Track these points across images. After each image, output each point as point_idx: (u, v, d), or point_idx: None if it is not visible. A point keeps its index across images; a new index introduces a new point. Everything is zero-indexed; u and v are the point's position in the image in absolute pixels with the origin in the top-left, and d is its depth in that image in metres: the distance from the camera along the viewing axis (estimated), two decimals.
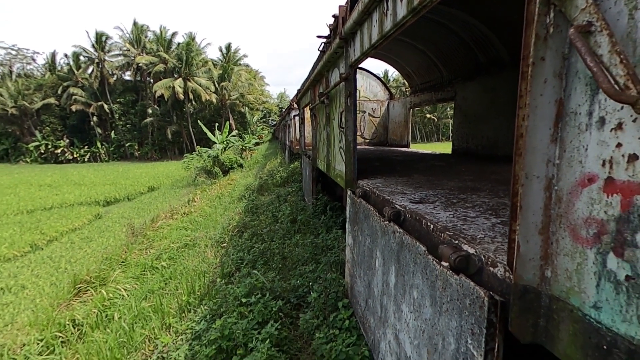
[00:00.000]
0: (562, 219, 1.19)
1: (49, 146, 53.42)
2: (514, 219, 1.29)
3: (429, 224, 2.23)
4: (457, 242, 1.88)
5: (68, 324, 6.94)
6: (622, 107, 0.98)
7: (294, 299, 4.59)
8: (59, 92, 52.75)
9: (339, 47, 4.29)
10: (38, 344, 6.40)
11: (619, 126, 0.99)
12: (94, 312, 7.34)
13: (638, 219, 0.94)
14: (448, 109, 60.02)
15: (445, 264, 1.80)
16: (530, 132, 1.21)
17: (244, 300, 4.39)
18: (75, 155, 54.40)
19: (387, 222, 2.71)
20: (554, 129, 1.20)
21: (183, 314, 5.52)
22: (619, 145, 0.99)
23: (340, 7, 3.89)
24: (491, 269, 1.58)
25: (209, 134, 30.88)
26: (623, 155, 0.98)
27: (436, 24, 6.91)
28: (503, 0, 5.39)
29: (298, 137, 13.82)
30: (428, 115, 62.82)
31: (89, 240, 14.79)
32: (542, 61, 1.17)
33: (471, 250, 1.74)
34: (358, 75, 12.09)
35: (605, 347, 1.04)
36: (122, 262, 10.59)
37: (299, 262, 5.73)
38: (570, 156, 1.15)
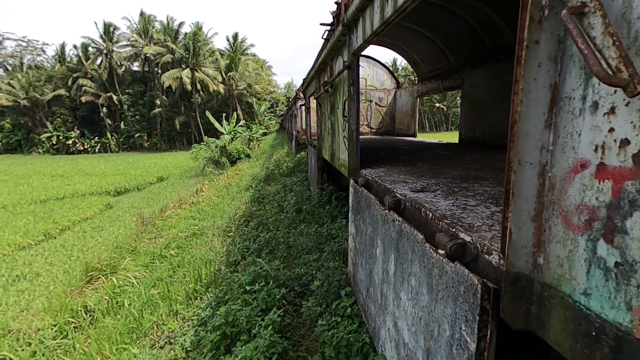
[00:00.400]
0: (555, 206, 1.18)
1: (61, 137, 54.22)
2: (507, 205, 1.28)
3: (427, 212, 2.22)
4: (454, 230, 1.87)
5: (80, 310, 7.15)
6: (615, 91, 0.95)
7: (297, 287, 4.65)
8: (69, 83, 53.28)
9: (342, 34, 4.23)
10: (52, 329, 6.62)
11: (612, 110, 0.96)
12: (105, 299, 7.54)
13: (628, 205, 0.92)
14: (457, 98, 59.06)
15: (441, 251, 1.80)
16: (524, 118, 1.19)
17: (248, 287, 4.46)
18: (86, 146, 55.18)
19: (387, 210, 2.71)
20: (548, 114, 1.17)
21: (190, 301, 5.63)
22: (611, 130, 0.97)
23: None
24: (486, 256, 1.58)
25: (217, 125, 30.96)
26: (615, 140, 0.96)
27: (441, 9, 6.75)
28: None
29: (304, 127, 13.78)
30: (437, 105, 61.93)
31: (100, 230, 15.10)
32: (536, 44, 1.14)
33: (467, 238, 1.74)
34: (364, 64, 11.94)
35: (594, 333, 1.04)
36: (132, 250, 10.81)
37: (303, 251, 5.78)
38: (564, 142, 1.13)
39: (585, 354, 1.06)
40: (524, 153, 1.21)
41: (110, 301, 7.35)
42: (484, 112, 7.12)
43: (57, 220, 16.22)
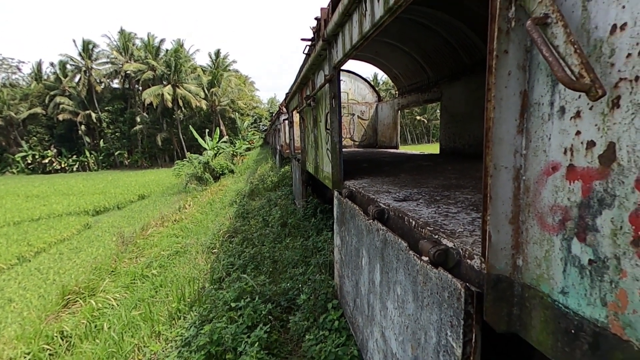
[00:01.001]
0: (531, 208, 1.22)
1: (36, 156, 52.59)
2: (485, 209, 1.31)
3: (411, 220, 2.25)
4: (437, 237, 1.90)
5: (56, 336, 6.81)
6: (579, 96, 1.01)
7: (284, 302, 4.57)
8: (46, 101, 52.09)
9: (322, 49, 4.32)
10: (25, 357, 6.27)
11: (578, 114, 1.02)
12: (83, 323, 7.21)
13: (597, 204, 0.96)
14: (437, 111, 60.61)
15: (425, 258, 1.82)
16: (497, 124, 1.23)
17: (233, 304, 4.36)
18: (63, 165, 53.63)
19: (371, 220, 2.73)
20: (520, 119, 1.22)
21: (173, 321, 5.45)
22: (578, 133, 1.02)
23: (322, 9, 3.93)
24: (468, 261, 1.60)
25: (200, 140, 30.70)
26: (582, 143, 1.01)
27: (421, 26, 7.00)
28: (483, 3, 5.49)
29: (288, 141, 13.83)
30: (418, 117, 63.34)
31: (78, 251, 14.55)
32: (505, 54, 1.20)
33: (450, 244, 1.76)
34: (346, 78, 12.17)
35: (572, 331, 1.06)
36: (112, 271, 10.44)
37: (289, 265, 5.72)
38: (536, 146, 1.18)
39: (566, 351, 1.08)
40: (498, 158, 1.25)
41: (89, 325, 7.03)
42: (463, 123, 7.32)
43: (32, 243, 15.56)
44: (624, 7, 0.87)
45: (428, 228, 2.02)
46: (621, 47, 0.88)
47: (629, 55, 0.86)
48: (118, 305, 7.80)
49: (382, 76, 60.35)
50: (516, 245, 1.29)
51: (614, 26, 0.90)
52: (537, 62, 1.15)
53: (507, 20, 1.19)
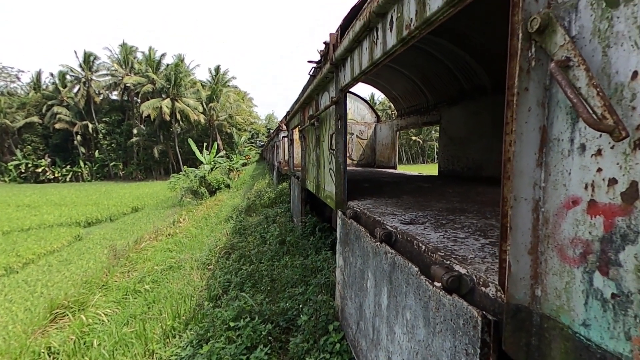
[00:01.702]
0: (550, 240, 1.25)
1: (30, 165, 52.08)
2: (505, 239, 1.34)
3: (420, 244, 2.27)
4: (448, 262, 1.92)
5: (43, 352, 6.61)
6: (600, 135, 1.06)
7: (283, 322, 4.50)
8: (43, 110, 52.02)
9: (329, 72, 4.42)
10: None
11: (599, 152, 1.06)
12: (71, 339, 7.00)
13: (620, 239, 1.00)
14: (433, 132, 61.51)
15: (437, 284, 1.83)
16: (517, 157, 1.28)
17: (232, 324, 4.29)
18: (56, 175, 53.11)
19: (378, 243, 2.74)
20: (539, 154, 1.27)
21: (167, 340, 5.33)
22: (599, 170, 1.06)
23: (331, 34, 4.05)
24: (483, 288, 1.62)
25: (197, 153, 30.71)
26: (604, 180, 1.05)
27: (422, 52, 7.20)
28: (485, 33, 5.70)
29: (287, 158, 13.89)
30: (414, 138, 64.19)
31: (68, 263, 14.26)
32: (526, 91, 1.26)
33: (463, 271, 1.78)
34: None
35: None
36: (103, 285, 10.22)
37: (288, 284, 5.66)
38: (555, 180, 1.22)
39: None
40: (519, 190, 1.29)
41: (78, 341, 6.83)
42: (462, 146, 7.45)
43: (21, 253, 15.24)
44: None
45: (439, 253, 2.04)
46: None
47: None
48: (109, 321, 7.61)
49: (379, 96, 61.46)
50: (535, 275, 1.31)
51: (635, 72, 0.95)
52: (557, 100, 1.21)
53: (528, 60, 1.25)
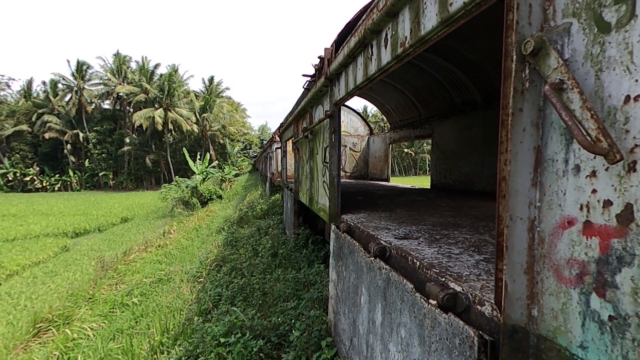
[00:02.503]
0: (546, 259, 1.25)
1: (18, 174, 51.13)
2: (500, 258, 1.34)
3: (415, 260, 2.25)
4: (443, 279, 1.90)
5: None
6: (594, 157, 1.07)
7: (274, 338, 4.42)
8: (33, 119, 51.38)
9: (324, 85, 4.46)
10: None
11: (593, 174, 1.07)
12: (55, 355, 6.78)
13: (616, 261, 1.00)
14: (425, 145, 62.18)
15: (433, 302, 1.81)
16: (512, 176, 1.29)
17: (222, 340, 4.19)
18: (45, 184, 52.18)
19: (372, 258, 2.72)
20: (534, 173, 1.28)
21: (155, 356, 5.18)
22: (594, 191, 1.07)
23: (325, 49, 4.09)
24: (479, 307, 1.61)
25: (190, 163, 30.51)
26: (598, 201, 1.05)
27: (414, 67, 7.32)
28: (476, 50, 5.82)
29: (280, 169, 13.88)
30: (406, 150, 64.76)
31: (54, 275, 13.90)
32: (520, 112, 1.27)
33: (458, 288, 1.77)
34: None
35: None
36: (89, 298, 9.97)
37: (280, 298, 5.57)
38: (550, 199, 1.23)
39: None
40: (514, 208, 1.30)
41: (61, 357, 6.62)
42: (454, 160, 7.52)
43: (4, 265, 14.83)
44: (637, 80, 0.94)
45: (434, 270, 2.03)
46: (636, 117, 0.95)
47: None
48: (94, 335, 7.40)
49: (372, 109, 62.15)
50: (531, 295, 1.31)
51: (628, 97, 0.97)
52: (551, 121, 1.22)
53: (522, 81, 1.27)
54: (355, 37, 2.99)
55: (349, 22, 3.69)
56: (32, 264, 15.72)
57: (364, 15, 2.79)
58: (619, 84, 1.00)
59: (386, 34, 2.53)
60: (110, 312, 8.63)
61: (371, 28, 2.63)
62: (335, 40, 3.89)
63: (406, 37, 2.21)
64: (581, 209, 1.11)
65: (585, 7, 1.08)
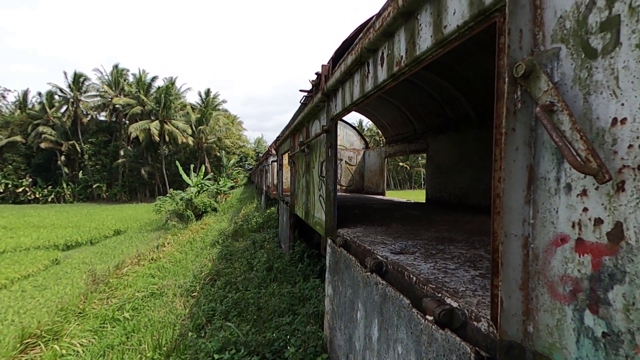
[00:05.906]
0: (540, 276, 1.27)
1: (10, 185, 50.53)
2: (496, 274, 1.36)
3: (411, 275, 2.26)
4: (440, 295, 1.91)
5: None
6: (585, 176, 1.10)
7: (269, 354, 4.35)
8: (28, 130, 51.14)
9: (320, 101, 4.52)
10: None
11: (584, 192, 1.11)
12: None
13: (608, 279, 1.02)
14: (420, 158, 62.66)
15: (430, 317, 1.82)
16: (507, 194, 1.32)
17: (216, 356, 4.11)
18: (37, 195, 51.57)
19: (369, 273, 2.72)
20: (527, 191, 1.31)
21: None
22: (585, 209, 1.10)
23: (323, 66, 4.17)
24: (475, 323, 1.62)
25: (184, 176, 30.41)
26: (589, 219, 1.09)
27: (410, 83, 7.46)
28: (469, 67, 5.96)
29: (276, 182, 13.88)
30: (401, 164, 65.19)
31: (43, 289, 13.61)
32: (513, 131, 1.31)
33: (454, 304, 1.78)
34: None
35: None
36: (80, 313, 9.74)
37: (275, 313, 5.51)
38: (543, 217, 1.26)
39: None
40: (508, 225, 1.33)
41: None
42: (449, 174, 7.60)
43: None
44: (622, 104, 0.99)
45: (430, 285, 2.03)
46: (622, 138, 0.99)
47: (630, 146, 0.97)
48: (84, 351, 7.22)
49: (367, 123, 62.75)
50: (527, 311, 1.32)
51: (615, 119, 1.02)
52: (542, 140, 1.26)
53: (514, 102, 1.32)
54: (352, 55, 3.06)
55: (346, 39, 3.78)
56: (22, 277, 15.37)
57: (361, 34, 2.87)
58: (606, 107, 1.04)
59: (382, 53, 2.60)
60: (100, 327, 8.44)
61: (367, 47, 2.70)
62: (332, 57, 3.98)
63: (402, 56, 2.28)
64: (573, 226, 1.14)
65: (573, 33, 1.14)
